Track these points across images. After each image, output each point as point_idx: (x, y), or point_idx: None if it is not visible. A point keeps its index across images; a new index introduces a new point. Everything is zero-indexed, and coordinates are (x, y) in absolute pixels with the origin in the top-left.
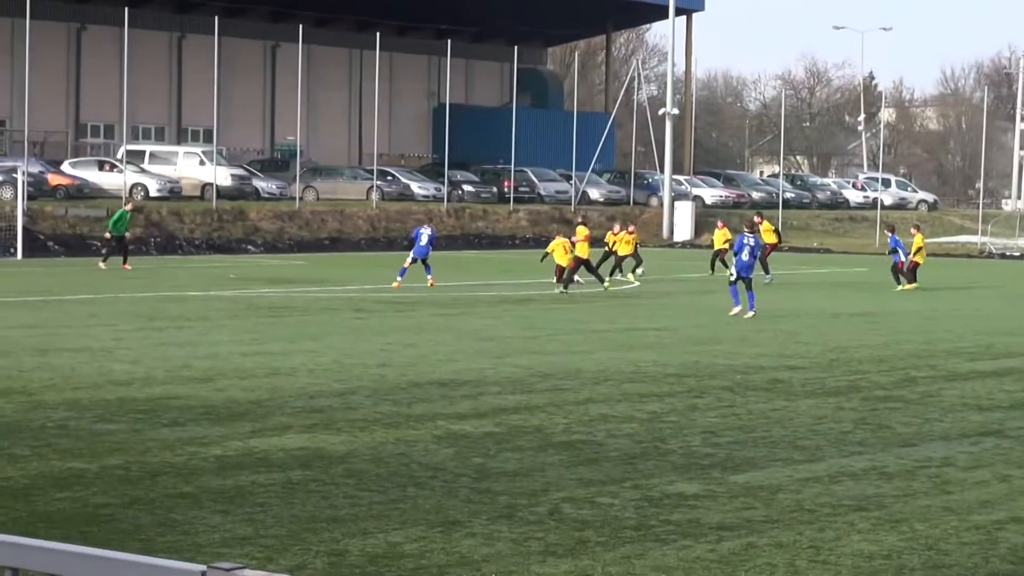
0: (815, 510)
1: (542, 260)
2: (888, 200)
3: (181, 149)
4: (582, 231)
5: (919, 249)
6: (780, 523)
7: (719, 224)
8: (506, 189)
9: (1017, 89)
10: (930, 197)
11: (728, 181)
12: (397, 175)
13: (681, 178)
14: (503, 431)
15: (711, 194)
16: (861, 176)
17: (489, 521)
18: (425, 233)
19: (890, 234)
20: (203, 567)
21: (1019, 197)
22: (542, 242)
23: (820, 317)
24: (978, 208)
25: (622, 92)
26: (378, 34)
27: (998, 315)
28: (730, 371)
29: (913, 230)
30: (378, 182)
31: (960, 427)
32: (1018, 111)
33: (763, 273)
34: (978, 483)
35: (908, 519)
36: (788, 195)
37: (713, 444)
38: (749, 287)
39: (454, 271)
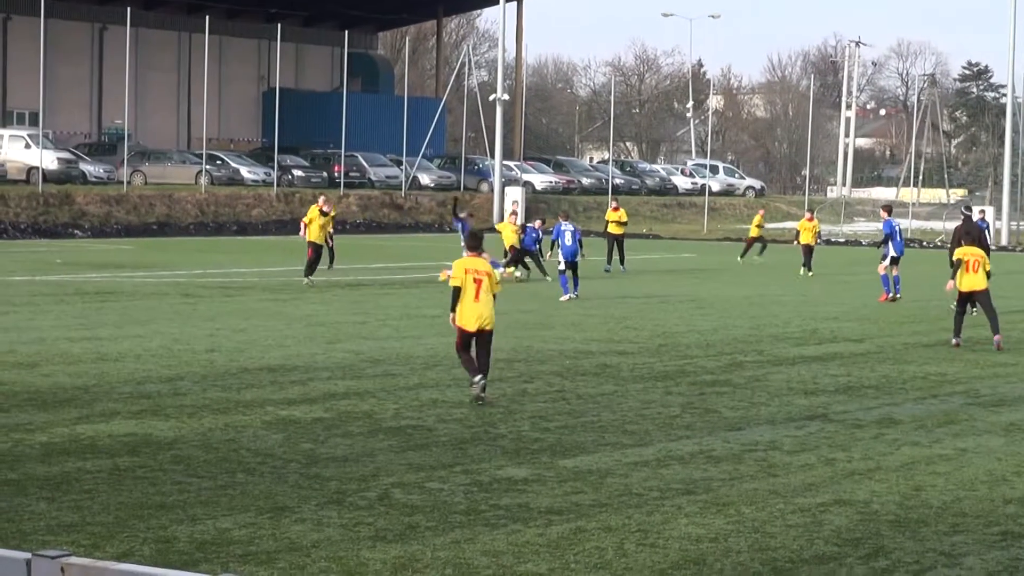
0: (643, 494)
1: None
2: (716, 186)
3: (6, 132)
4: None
5: (801, 233)
6: (609, 507)
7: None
8: (336, 174)
9: (843, 77)
10: (757, 183)
11: (558, 167)
12: (226, 160)
13: (512, 164)
14: (333, 417)
15: (541, 180)
16: (689, 163)
17: (318, 507)
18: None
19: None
20: (28, 555)
21: (844, 184)
22: (372, 227)
23: (649, 302)
24: (804, 194)
25: (453, 78)
26: (207, 17)
27: (823, 301)
28: (560, 356)
29: (808, 214)
30: (207, 166)
31: (786, 411)
32: (843, 99)
33: (619, 263)
34: (803, 466)
35: (735, 502)
36: (618, 181)
37: (542, 429)
38: (575, 272)
39: (285, 257)
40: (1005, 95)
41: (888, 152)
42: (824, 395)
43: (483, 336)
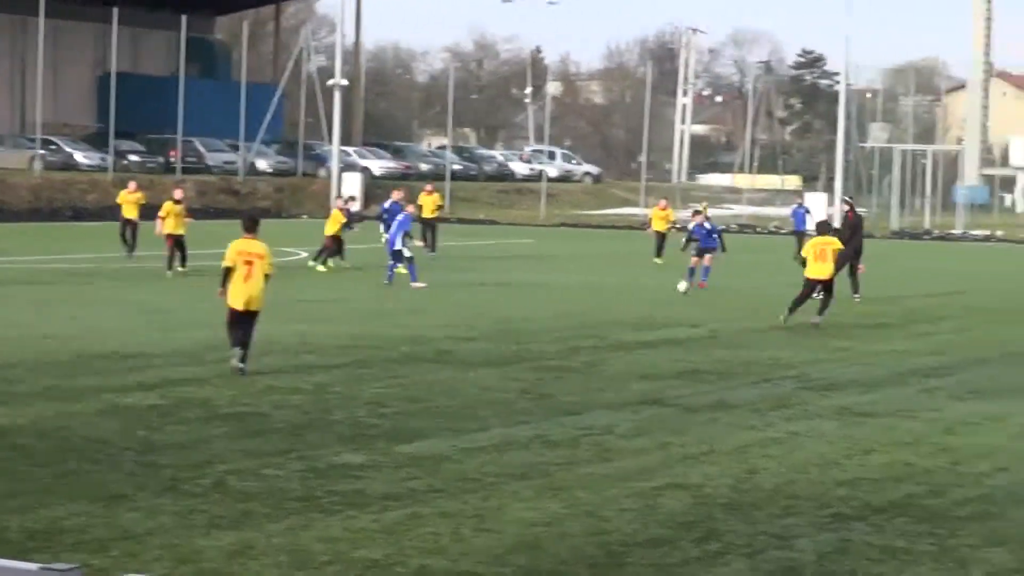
0: (480, 479)
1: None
2: (553, 172)
3: None
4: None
5: (654, 221)
6: (445, 492)
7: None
8: (173, 159)
9: (680, 64)
10: (595, 170)
11: (396, 153)
12: (61, 144)
13: (350, 149)
14: (169, 403)
15: (379, 165)
16: (527, 149)
17: (153, 495)
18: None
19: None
20: None
21: (680, 171)
22: (209, 213)
23: (487, 288)
24: (641, 181)
25: (291, 63)
26: (42, 1)
27: (661, 287)
28: (398, 342)
29: (662, 202)
30: (41, 151)
31: (622, 396)
32: (680, 86)
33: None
34: (638, 451)
35: (571, 487)
36: (456, 167)
37: (379, 415)
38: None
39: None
40: (839, 82)
41: (724, 139)
42: (660, 380)
43: (250, 315)
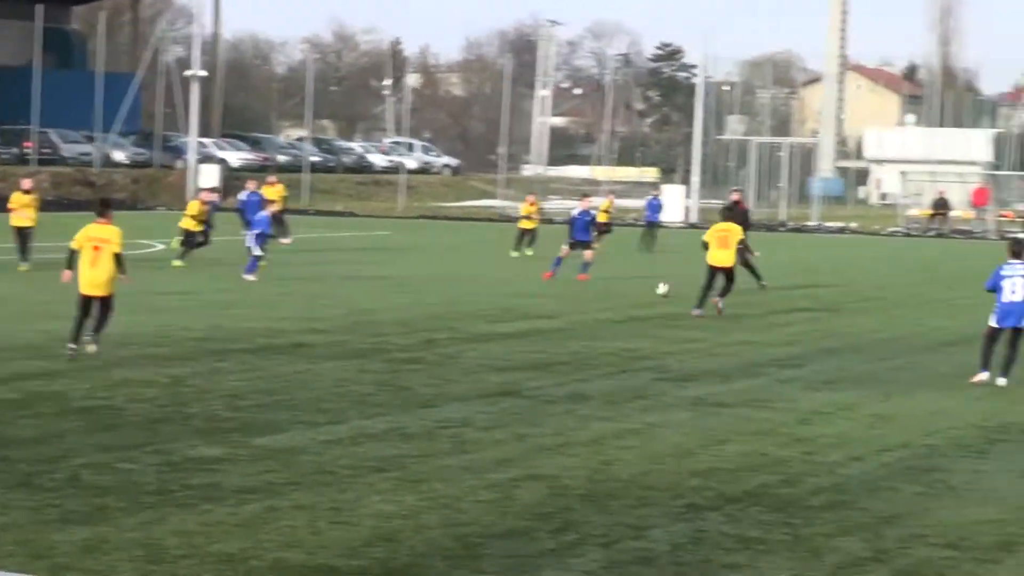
0: (336, 472)
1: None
2: (412, 164)
3: None
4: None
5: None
6: (301, 485)
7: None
8: (27, 150)
9: (539, 56)
10: (454, 162)
11: (255, 144)
12: None
13: (207, 141)
14: (22, 397)
15: (237, 157)
16: (386, 140)
17: (6, 489)
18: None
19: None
20: None
21: (539, 162)
22: (64, 205)
23: (344, 281)
24: (499, 173)
25: (149, 53)
26: None
27: (516, 278)
28: (253, 335)
29: (531, 197)
30: None
31: (479, 388)
32: (539, 78)
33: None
34: (495, 442)
35: (428, 479)
36: (315, 159)
37: (235, 408)
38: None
39: None
40: (696, 75)
41: (583, 131)
42: (517, 371)
43: (99, 301)
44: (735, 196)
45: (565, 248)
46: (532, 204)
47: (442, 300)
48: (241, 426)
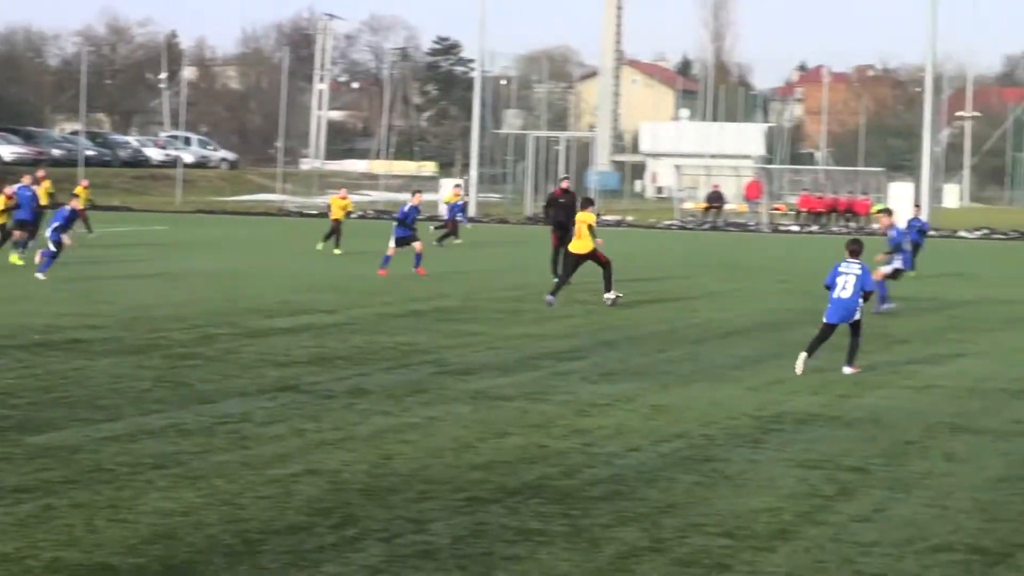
0: (114, 469)
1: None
2: (189, 158)
3: None
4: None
5: (333, 209)
6: (79, 483)
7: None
8: None
9: (316, 50)
10: (231, 156)
11: (28, 138)
12: None
13: None
14: None
15: (10, 151)
16: (163, 134)
17: None
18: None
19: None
20: None
21: (317, 156)
22: None
23: (120, 276)
24: (277, 167)
25: None
26: None
27: (297, 273)
28: (28, 331)
29: (342, 191)
30: None
31: (258, 383)
32: (316, 72)
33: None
34: (274, 437)
35: (207, 475)
36: (90, 153)
37: (10, 406)
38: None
39: None
40: (474, 69)
41: (361, 125)
42: (296, 366)
43: None
44: (564, 184)
45: (393, 247)
46: (344, 198)
47: (221, 295)
48: (16, 424)
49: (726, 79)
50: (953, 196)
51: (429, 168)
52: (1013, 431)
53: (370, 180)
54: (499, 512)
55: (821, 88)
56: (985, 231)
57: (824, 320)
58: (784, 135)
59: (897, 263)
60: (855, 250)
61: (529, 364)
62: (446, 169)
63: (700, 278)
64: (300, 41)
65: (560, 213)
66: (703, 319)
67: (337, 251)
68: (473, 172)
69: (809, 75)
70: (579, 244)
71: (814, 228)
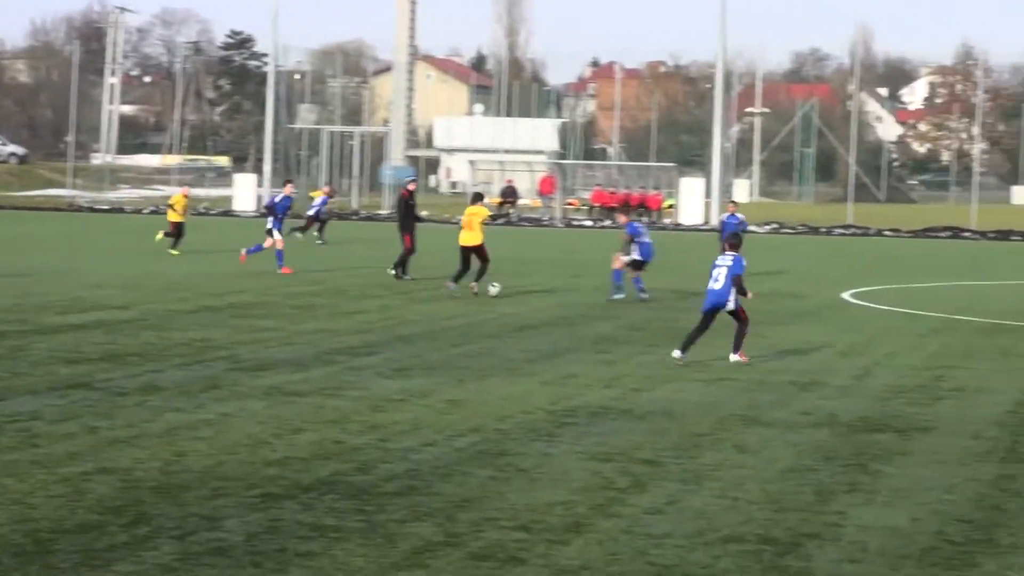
0: None
1: None
2: None
3: None
4: None
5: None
6: None
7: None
8: None
9: (108, 43)
10: (20, 150)
11: None
12: None
13: None
14: None
15: None
16: None
17: None
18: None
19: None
20: None
21: (108, 150)
22: None
23: None
24: (68, 161)
25: None
26: None
27: (89, 269)
28: None
29: (184, 189)
30: None
31: (49, 380)
32: (108, 65)
33: None
34: (66, 435)
35: None
36: None
37: None
38: None
39: None
40: (267, 64)
41: (153, 119)
42: (87, 363)
43: None
44: (412, 187)
45: (274, 239)
46: (185, 196)
47: (10, 292)
48: None
49: (520, 75)
50: (743, 191)
51: (223, 162)
52: (802, 423)
53: (162, 175)
54: (294, 508)
55: (613, 84)
56: (775, 225)
57: (701, 310)
58: (577, 131)
59: (635, 254)
60: (733, 244)
61: (324, 360)
62: (240, 164)
63: (495, 273)
64: (91, 34)
65: (409, 214)
66: (498, 314)
67: (175, 252)
68: (267, 167)
69: (602, 71)
70: (469, 236)
71: (607, 223)
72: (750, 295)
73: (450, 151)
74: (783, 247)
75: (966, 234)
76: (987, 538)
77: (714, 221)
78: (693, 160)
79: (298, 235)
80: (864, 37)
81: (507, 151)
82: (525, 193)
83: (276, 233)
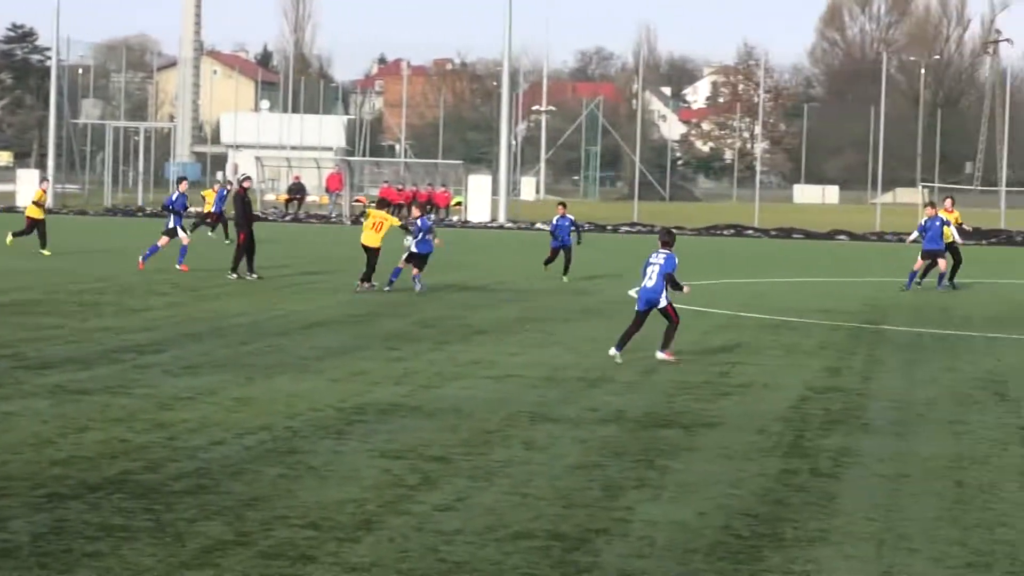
0: None
1: None
2: None
3: None
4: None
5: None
6: None
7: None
8: None
9: None
10: None
11: None
12: None
13: None
14: None
15: None
16: None
17: None
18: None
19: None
20: None
21: None
22: None
23: None
24: None
25: None
26: None
27: None
28: None
29: (45, 183)
30: None
31: None
32: None
33: None
34: None
35: None
36: None
37: None
38: None
39: None
40: (50, 58)
41: None
42: None
43: None
44: (247, 184)
45: (180, 237)
46: (44, 192)
47: None
48: None
49: (307, 71)
50: (530, 188)
51: (5, 158)
52: (589, 419)
53: None
54: (80, 508)
55: (401, 81)
56: None
57: (635, 309)
58: (365, 127)
59: (414, 247)
60: (666, 241)
61: (110, 358)
62: (22, 159)
63: (283, 270)
64: None
65: (247, 211)
66: (286, 311)
67: (46, 252)
68: (51, 162)
69: (389, 68)
70: (370, 237)
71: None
72: (686, 290)
73: (237, 147)
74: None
75: (749, 232)
76: (772, 532)
77: (502, 218)
78: (480, 158)
79: (211, 234)
80: (648, 37)
81: (294, 147)
82: (312, 190)
83: (180, 231)
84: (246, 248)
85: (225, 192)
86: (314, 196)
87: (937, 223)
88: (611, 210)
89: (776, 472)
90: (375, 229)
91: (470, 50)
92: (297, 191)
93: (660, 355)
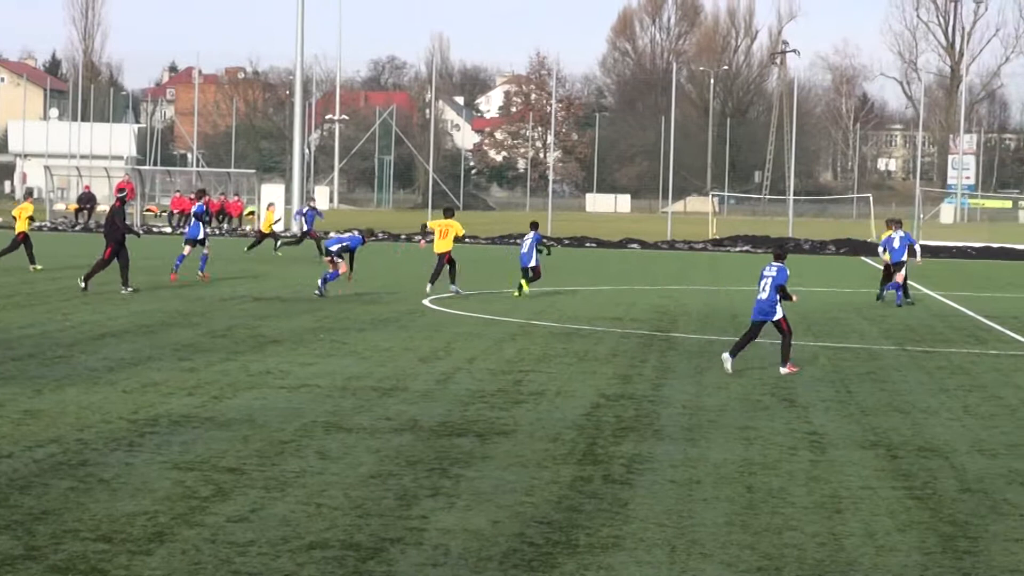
0: None
1: None
2: None
3: None
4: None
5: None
6: None
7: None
8: None
9: None
10: None
11: None
12: None
13: None
14: None
15: None
16: None
17: None
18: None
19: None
20: None
21: None
22: None
23: None
24: None
25: None
26: None
27: None
28: None
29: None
30: None
31: None
32: None
33: None
34: None
35: None
36: None
37: None
38: None
39: None
40: None
41: None
42: None
43: None
44: (119, 193)
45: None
46: (31, 203)
47: None
48: None
49: (96, 79)
50: (323, 198)
51: None
52: (384, 428)
53: None
54: None
55: (192, 89)
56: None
57: (751, 319)
58: (156, 136)
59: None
60: (778, 254)
61: None
62: None
63: (75, 281)
64: None
65: (119, 226)
66: (76, 321)
67: (38, 268)
68: None
69: (180, 76)
70: (440, 245)
71: (185, 229)
72: (794, 299)
73: (25, 156)
74: (360, 255)
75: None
76: (566, 539)
77: (294, 228)
78: (274, 167)
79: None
80: (440, 46)
81: (84, 156)
82: (103, 199)
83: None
84: (122, 262)
85: (304, 210)
86: (104, 206)
87: (895, 238)
88: (404, 219)
89: (570, 479)
90: (442, 236)
91: (262, 58)
92: (87, 201)
93: (783, 370)
